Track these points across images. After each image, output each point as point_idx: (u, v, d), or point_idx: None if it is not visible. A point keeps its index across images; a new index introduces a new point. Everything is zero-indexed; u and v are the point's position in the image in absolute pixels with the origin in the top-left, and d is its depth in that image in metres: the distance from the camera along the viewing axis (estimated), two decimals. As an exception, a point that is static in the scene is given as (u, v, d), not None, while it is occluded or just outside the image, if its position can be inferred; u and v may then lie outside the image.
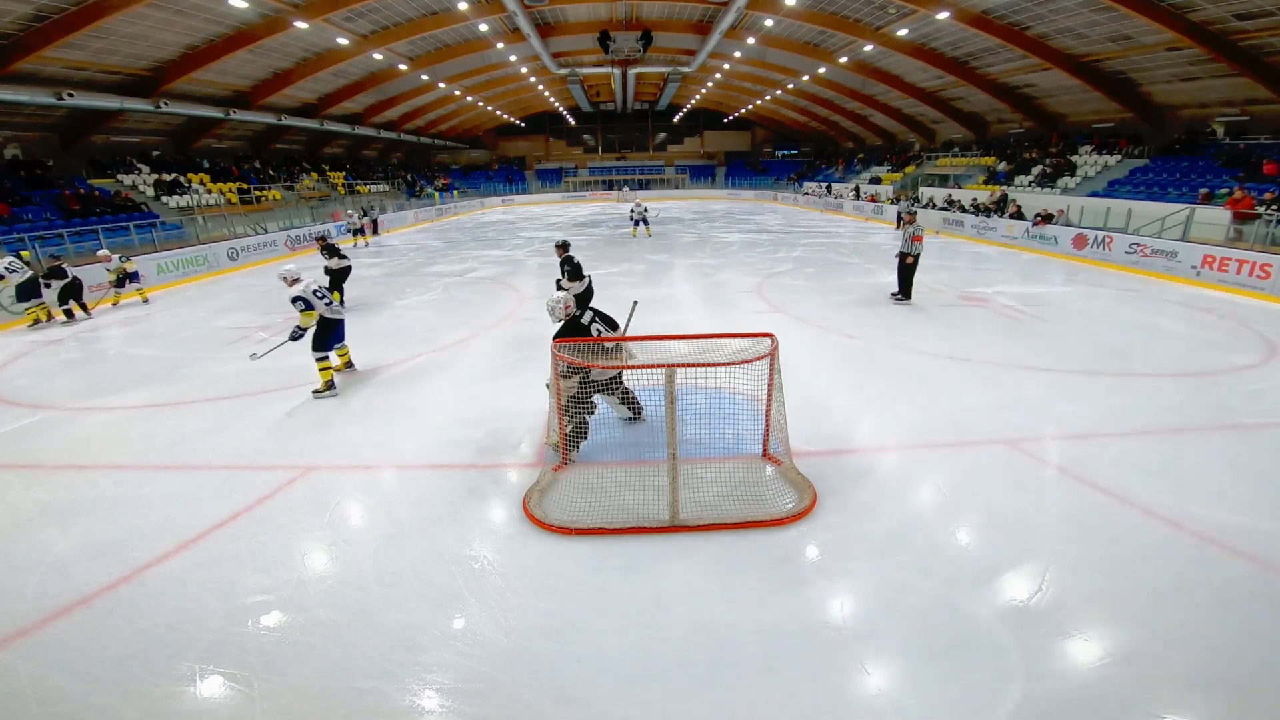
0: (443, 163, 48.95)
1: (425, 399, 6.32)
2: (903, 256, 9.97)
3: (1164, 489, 4.22)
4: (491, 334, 8.81)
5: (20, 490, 4.63)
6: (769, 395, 4.35)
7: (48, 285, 10.27)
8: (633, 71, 31.75)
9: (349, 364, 7.16)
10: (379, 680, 2.80)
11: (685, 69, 31.14)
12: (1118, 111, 20.07)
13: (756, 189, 43.40)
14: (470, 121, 44.52)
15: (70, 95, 15.81)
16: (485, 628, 3.11)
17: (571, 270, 7.89)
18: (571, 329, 4.81)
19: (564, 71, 30.53)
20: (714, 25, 24.18)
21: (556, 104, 43.74)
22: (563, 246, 8.22)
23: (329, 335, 6.43)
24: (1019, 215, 18.07)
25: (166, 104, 18.89)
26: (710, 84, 36.66)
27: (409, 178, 38.84)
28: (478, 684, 2.78)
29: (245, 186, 23.83)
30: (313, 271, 8.86)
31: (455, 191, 41.23)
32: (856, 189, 30.34)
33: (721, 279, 12.83)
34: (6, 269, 9.85)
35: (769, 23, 23.16)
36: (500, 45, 25.63)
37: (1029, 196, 19.74)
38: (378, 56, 23.07)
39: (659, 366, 3.78)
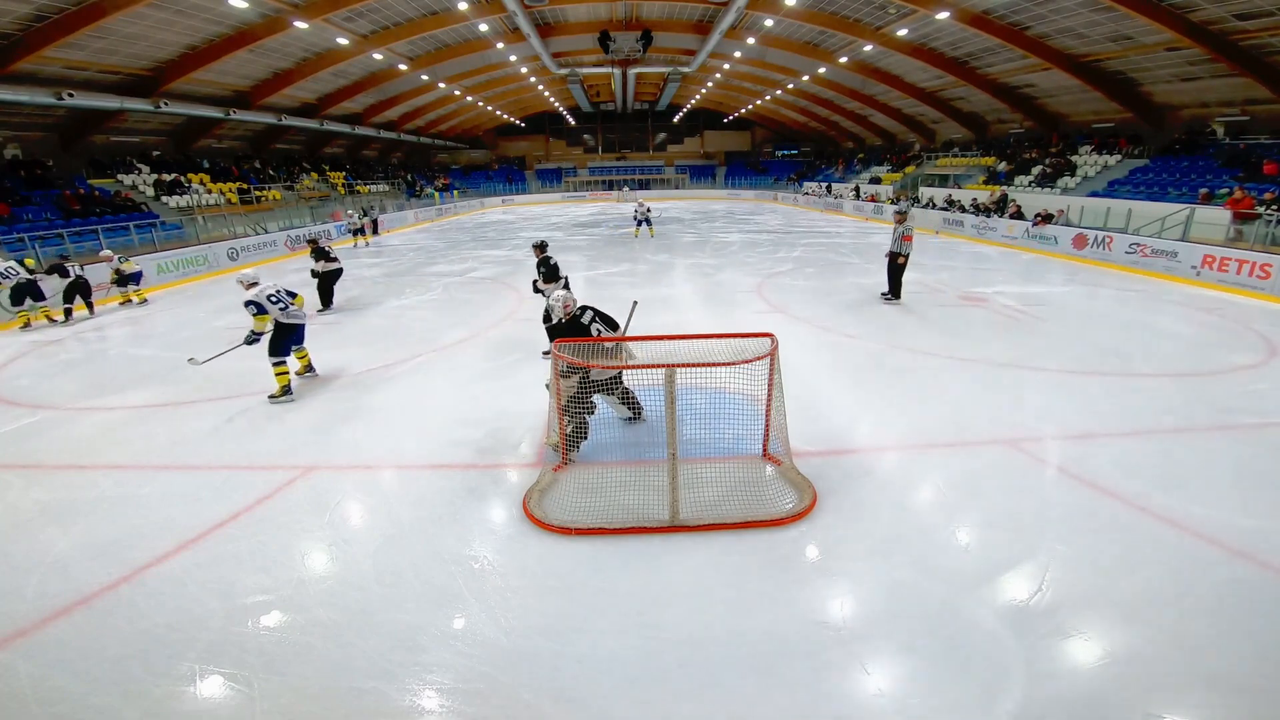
0: (443, 163, 48.91)
1: (425, 399, 6.32)
2: (893, 256, 9.97)
3: (1164, 489, 4.22)
4: (492, 334, 8.81)
5: (20, 490, 4.63)
6: (769, 395, 4.35)
7: (56, 275, 10.25)
8: (633, 71, 31.73)
9: (309, 367, 6.95)
10: (379, 680, 2.80)
11: (685, 69, 31.14)
12: (1117, 111, 20.07)
13: (756, 189, 43.36)
14: (470, 121, 44.52)
15: (70, 95, 15.80)
16: (485, 628, 3.11)
17: (548, 271, 7.84)
18: (571, 329, 4.81)
19: (564, 71, 30.53)
20: (714, 25, 24.18)
21: (556, 104, 43.73)
22: (540, 247, 8.19)
23: (285, 340, 6.30)
24: (1019, 215, 18.05)
25: (166, 104, 18.89)
26: (710, 84, 36.66)
27: (409, 178, 38.82)
28: (478, 684, 2.78)
29: (245, 186, 23.81)
30: (301, 274, 8.82)
31: (455, 191, 41.20)
32: (856, 189, 30.33)
33: (721, 279, 12.83)
34: (2, 275, 9.85)
35: (769, 23, 23.16)
36: (500, 45, 25.63)
37: (1029, 196, 19.73)
38: (378, 56, 23.07)
39: (659, 366, 3.78)
